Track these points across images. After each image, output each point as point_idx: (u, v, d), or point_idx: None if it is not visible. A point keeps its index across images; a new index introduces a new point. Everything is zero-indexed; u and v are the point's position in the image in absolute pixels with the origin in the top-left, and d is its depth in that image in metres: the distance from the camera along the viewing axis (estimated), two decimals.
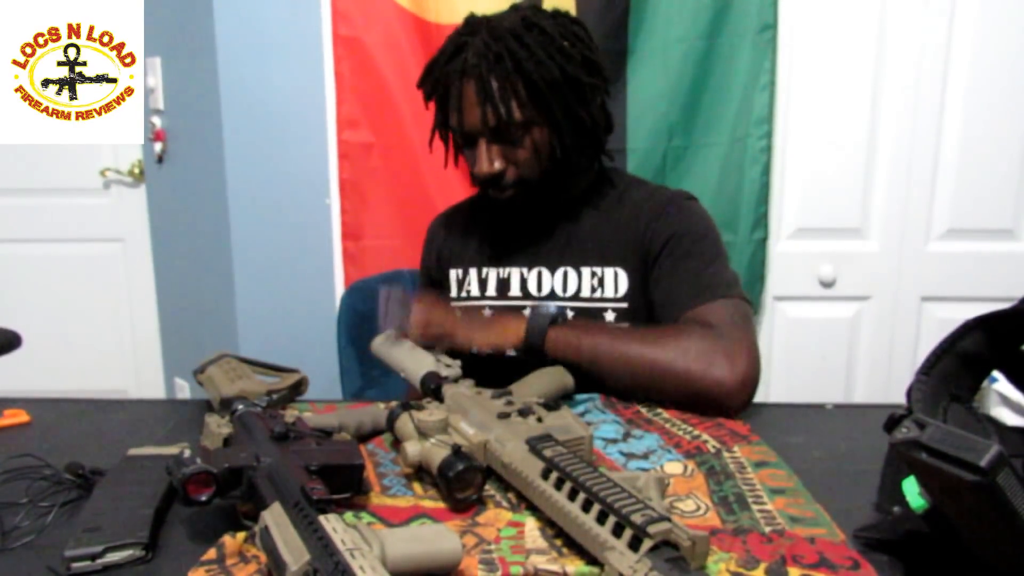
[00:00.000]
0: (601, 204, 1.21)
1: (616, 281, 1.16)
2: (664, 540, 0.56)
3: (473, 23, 1.13)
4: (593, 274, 1.17)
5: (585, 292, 1.17)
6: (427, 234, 1.35)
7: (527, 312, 1.09)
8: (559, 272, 1.18)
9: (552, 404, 0.84)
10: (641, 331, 1.09)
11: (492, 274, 1.23)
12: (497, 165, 1.11)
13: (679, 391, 1.00)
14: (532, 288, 1.20)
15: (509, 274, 1.21)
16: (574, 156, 1.14)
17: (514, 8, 1.15)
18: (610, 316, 1.16)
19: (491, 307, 1.21)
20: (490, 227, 1.26)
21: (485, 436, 0.79)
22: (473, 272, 1.24)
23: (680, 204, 1.18)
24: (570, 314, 1.15)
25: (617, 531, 0.59)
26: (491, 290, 1.22)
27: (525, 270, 1.20)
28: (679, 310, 1.08)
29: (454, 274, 1.26)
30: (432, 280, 1.32)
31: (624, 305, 1.15)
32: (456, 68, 1.10)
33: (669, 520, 0.57)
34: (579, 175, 1.21)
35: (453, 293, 1.26)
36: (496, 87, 1.07)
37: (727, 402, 0.98)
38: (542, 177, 1.14)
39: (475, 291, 1.23)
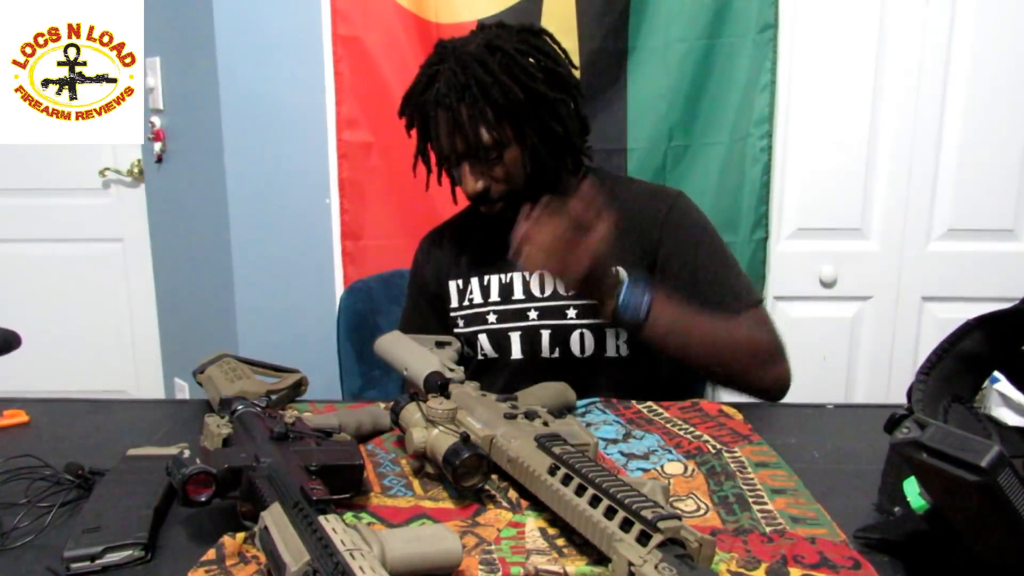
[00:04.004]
0: None
1: None
2: (672, 538, 0.56)
3: (442, 52, 1.17)
4: None
5: None
6: (417, 254, 1.36)
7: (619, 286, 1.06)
8: None
9: (557, 413, 0.85)
10: (722, 321, 1.14)
11: (494, 280, 1.23)
12: (480, 185, 1.15)
13: (744, 373, 1.15)
14: (535, 290, 1.21)
15: (511, 278, 1.22)
16: (552, 164, 1.18)
17: (480, 28, 1.20)
18: None
19: (495, 312, 1.22)
20: (487, 236, 1.26)
21: (492, 432, 0.80)
22: (475, 281, 1.25)
23: (681, 207, 1.20)
24: (572, 312, 1.17)
25: (626, 527, 0.59)
26: (494, 295, 1.23)
27: (527, 273, 1.21)
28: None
29: (454, 285, 1.27)
30: (428, 294, 1.32)
31: None
32: (430, 98, 1.15)
33: (679, 519, 0.57)
34: (565, 181, 1.23)
35: (455, 304, 1.27)
36: (465, 115, 1.11)
37: (775, 396, 1.16)
38: (527, 187, 1.17)
39: (478, 299, 1.24)
